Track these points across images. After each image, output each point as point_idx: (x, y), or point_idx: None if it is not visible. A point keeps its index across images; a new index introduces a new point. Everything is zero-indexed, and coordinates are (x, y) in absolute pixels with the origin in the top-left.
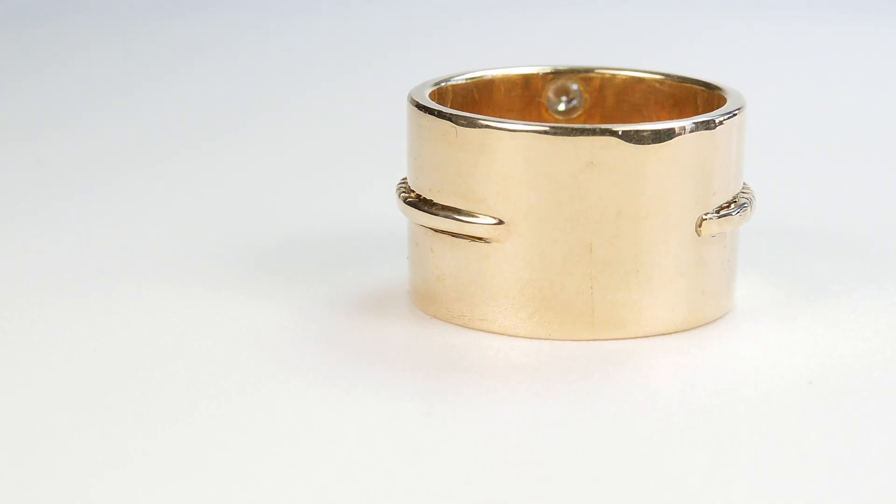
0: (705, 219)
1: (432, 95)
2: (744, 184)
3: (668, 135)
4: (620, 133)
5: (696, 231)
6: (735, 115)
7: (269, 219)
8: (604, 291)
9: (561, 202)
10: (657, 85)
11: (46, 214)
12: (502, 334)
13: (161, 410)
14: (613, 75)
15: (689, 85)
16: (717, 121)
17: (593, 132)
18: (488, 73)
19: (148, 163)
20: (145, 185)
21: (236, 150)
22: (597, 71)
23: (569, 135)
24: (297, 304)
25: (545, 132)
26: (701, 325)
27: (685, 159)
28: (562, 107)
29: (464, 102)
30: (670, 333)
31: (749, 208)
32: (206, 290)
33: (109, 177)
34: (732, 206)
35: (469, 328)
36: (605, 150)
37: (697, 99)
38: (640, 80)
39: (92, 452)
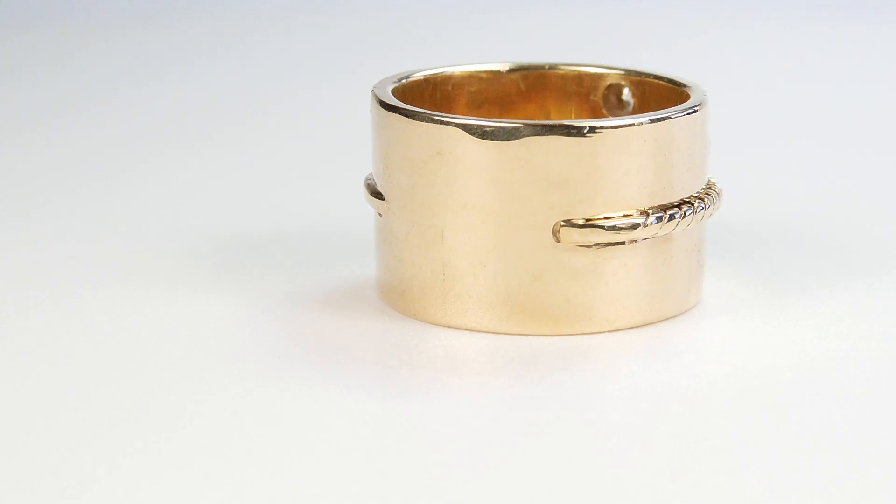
0: (563, 226)
1: (413, 86)
2: (705, 189)
3: (513, 134)
4: (466, 126)
5: (555, 237)
6: (620, 126)
7: (246, 216)
8: (453, 281)
9: (417, 187)
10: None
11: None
12: (388, 305)
13: (127, 412)
14: (577, 72)
15: (655, 82)
16: (578, 128)
17: (442, 122)
18: (449, 70)
19: (115, 163)
20: (111, 186)
21: (207, 148)
22: (560, 67)
23: (424, 120)
24: (264, 300)
25: (407, 114)
26: (563, 334)
27: (533, 161)
28: (631, 107)
29: (442, 95)
30: (521, 335)
31: (652, 226)
32: (172, 289)
33: (75, 178)
34: (638, 216)
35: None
36: (451, 142)
37: (678, 98)
38: (604, 76)
39: (67, 453)
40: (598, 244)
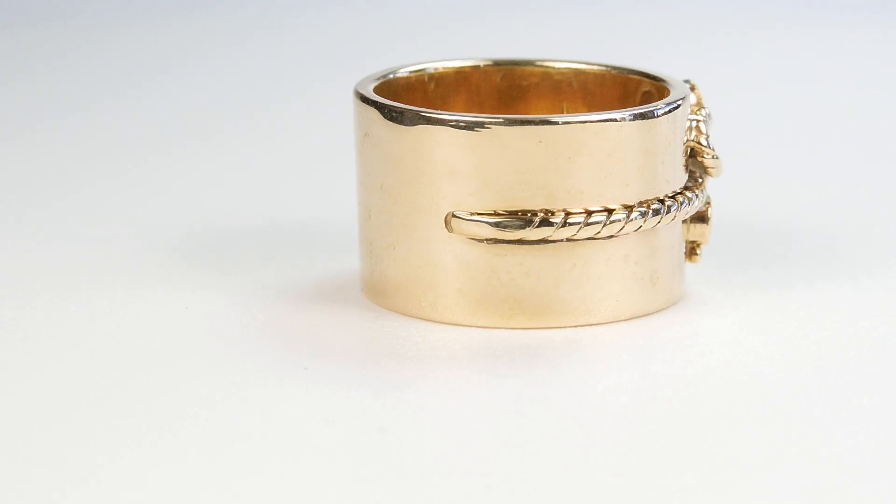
0: (454, 217)
1: (407, 79)
2: (650, 200)
3: (413, 120)
4: (381, 109)
5: (447, 227)
6: (513, 123)
7: (242, 214)
8: (376, 259)
9: (357, 166)
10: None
11: None
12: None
13: (113, 411)
14: (557, 68)
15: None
16: (468, 122)
17: (366, 103)
18: (431, 66)
19: (103, 163)
20: (97, 187)
21: (194, 141)
22: (537, 63)
23: (361, 101)
24: (250, 294)
25: (358, 96)
26: (460, 325)
27: (425, 150)
28: None
29: (446, 89)
30: (426, 320)
31: (541, 229)
32: (156, 285)
33: (62, 177)
34: (532, 216)
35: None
36: (373, 124)
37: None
38: (582, 71)
39: (62, 452)
40: (489, 240)
